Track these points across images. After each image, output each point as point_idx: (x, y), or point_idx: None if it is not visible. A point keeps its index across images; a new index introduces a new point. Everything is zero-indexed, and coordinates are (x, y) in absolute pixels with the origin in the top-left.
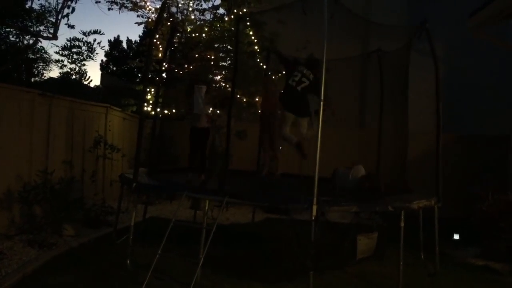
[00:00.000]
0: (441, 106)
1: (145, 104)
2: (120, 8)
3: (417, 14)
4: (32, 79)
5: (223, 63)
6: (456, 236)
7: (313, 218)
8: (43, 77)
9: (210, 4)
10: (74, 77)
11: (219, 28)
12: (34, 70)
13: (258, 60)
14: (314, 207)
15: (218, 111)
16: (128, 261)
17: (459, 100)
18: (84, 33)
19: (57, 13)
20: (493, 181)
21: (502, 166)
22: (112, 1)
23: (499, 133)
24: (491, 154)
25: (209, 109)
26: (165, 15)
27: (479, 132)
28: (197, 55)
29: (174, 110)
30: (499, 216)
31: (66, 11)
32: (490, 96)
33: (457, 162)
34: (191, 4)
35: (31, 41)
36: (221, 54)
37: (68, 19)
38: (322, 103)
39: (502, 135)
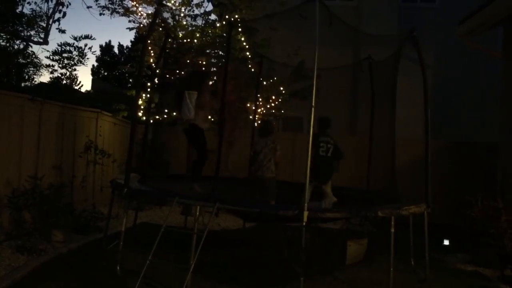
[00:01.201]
0: (430, 114)
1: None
2: (111, 14)
3: (408, 22)
4: (22, 84)
5: (214, 69)
6: (446, 242)
7: (304, 224)
8: (33, 82)
9: (202, 10)
10: (64, 82)
11: (210, 34)
12: (25, 75)
13: (250, 66)
14: (305, 213)
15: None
16: (118, 267)
17: (449, 107)
18: (75, 38)
19: (48, 18)
20: (483, 187)
21: (491, 173)
22: (103, 6)
23: (488, 140)
24: (481, 161)
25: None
26: (157, 20)
27: (469, 139)
28: (188, 61)
29: (166, 116)
30: (488, 222)
31: (57, 15)
32: (480, 104)
33: (448, 168)
34: (183, 10)
35: (21, 46)
36: (212, 60)
37: (59, 24)
38: (313, 109)
39: (491, 142)
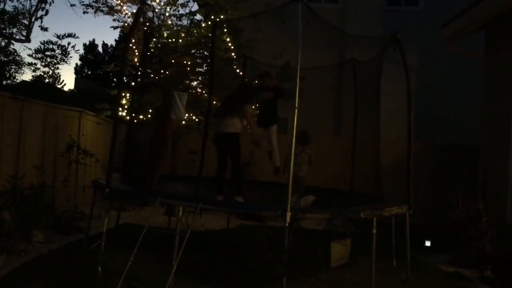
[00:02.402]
0: (413, 115)
1: (120, 109)
2: (95, 12)
3: (392, 25)
4: (4, 82)
5: (199, 69)
6: (428, 243)
7: (287, 224)
8: (15, 80)
9: (187, 10)
10: (47, 80)
11: (196, 34)
12: (6, 73)
13: (235, 66)
14: (288, 214)
15: None
16: (99, 268)
17: (432, 109)
18: (58, 36)
19: (31, 15)
20: (464, 189)
21: (472, 174)
22: (87, 4)
23: (471, 142)
24: (462, 163)
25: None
26: (141, 19)
27: (452, 141)
28: (173, 61)
29: (149, 116)
30: (468, 223)
31: (39, 13)
32: (462, 106)
33: (430, 170)
34: (168, 10)
35: (3, 43)
36: (197, 60)
37: (41, 22)
38: (296, 110)
39: (472, 145)
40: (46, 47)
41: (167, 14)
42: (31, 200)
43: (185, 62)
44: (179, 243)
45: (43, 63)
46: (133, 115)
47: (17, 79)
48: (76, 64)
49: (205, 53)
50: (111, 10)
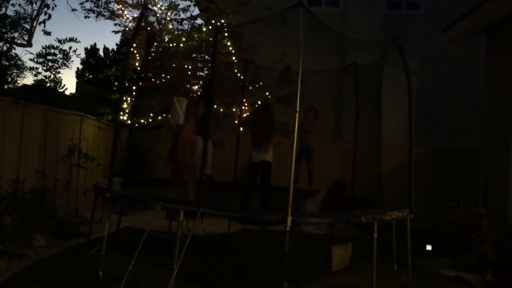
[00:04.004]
0: (414, 119)
1: (121, 113)
2: (97, 17)
3: (393, 29)
4: (5, 86)
5: (200, 73)
6: (429, 247)
7: (288, 229)
8: (16, 84)
9: (188, 14)
10: (48, 84)
11: (197, 38)
12: (8, 77)
13: (236, 70)
14: (289, 218)
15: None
16: (100, 273)
17: (433, 113)
18: (59, 41)
19: (32, 20)
20: (465, 193)
21: (473, 178)
22: (89, 9)
23: (473, 146)
24: (464, 167)
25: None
26: (142, 24)
27: (452, 145)
28: (174, 65)
29: (150, 120)
30: (469, 227)
31: (42, 17)
32: (464, 110)
33: (431, 174)
34: (169, 14)
35: (4, 48)
36: (199, 64)
37: (44, 26)
38: (297, 115)
39: (473, 149)
40: (47, 51)
41: (168, 18)
42: (32, 205)
43: (186, 66)
44: (180, 247)
45: (44, 68)
46: (135, 119)
47: (19, 83)
48: (78, 68)
49: (206, 57)
50: (113, 15)
